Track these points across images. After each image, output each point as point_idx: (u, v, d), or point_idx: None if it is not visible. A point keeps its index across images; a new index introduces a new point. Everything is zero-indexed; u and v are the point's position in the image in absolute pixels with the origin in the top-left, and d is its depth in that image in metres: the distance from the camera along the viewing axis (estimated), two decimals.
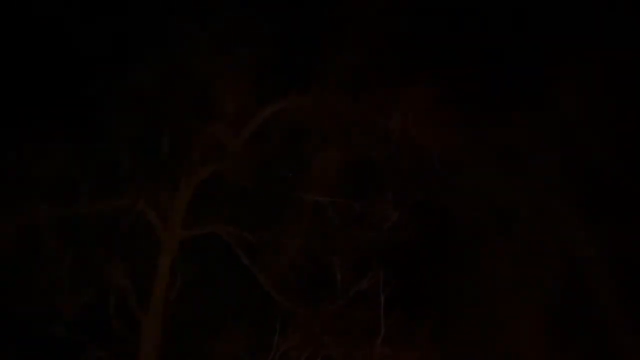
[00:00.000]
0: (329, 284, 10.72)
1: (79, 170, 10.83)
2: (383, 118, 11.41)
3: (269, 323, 10.42)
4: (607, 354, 10.62)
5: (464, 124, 11.27)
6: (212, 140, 11.24)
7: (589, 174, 11.40)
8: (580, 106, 11.59)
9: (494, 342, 10.89)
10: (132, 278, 10.89)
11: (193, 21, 11.21)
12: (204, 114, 11.24)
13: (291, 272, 10.91)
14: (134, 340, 10.70)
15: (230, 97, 11.25)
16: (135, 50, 11.21)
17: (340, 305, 10.55)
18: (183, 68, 11.28)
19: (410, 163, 11.36)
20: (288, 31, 11.24)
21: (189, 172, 11.13)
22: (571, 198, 11.48)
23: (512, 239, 11.57)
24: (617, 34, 11.54)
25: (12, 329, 10.38)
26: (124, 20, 11.13)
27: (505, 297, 11.23)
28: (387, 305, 10.30)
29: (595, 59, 11.46)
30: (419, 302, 10.59)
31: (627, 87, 11.42)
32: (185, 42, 11.33)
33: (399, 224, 11.05)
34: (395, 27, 11.23)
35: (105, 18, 11.17)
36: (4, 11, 11.07)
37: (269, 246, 11.00)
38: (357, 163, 11.44)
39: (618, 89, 11.47)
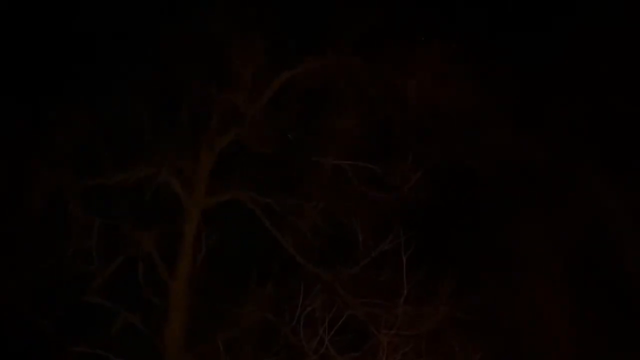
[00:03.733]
0: (351, 246, 10.84)
1: (101, 140, 11.00)
2: (400, 78, 11.37)
3: (293, 286, 10.60)
4: (630, 307, 10.64)
5: (482, 81, 11.19)
6: (231, 107, 11.30)
7: (610, 126, 11.30)
8: (600, 57, 11.43)
9: (516, 299, 10.98)
10: (159, 245, 11.12)
11: None
12: (222, 81, 11.29)
13: (313, 235, 11.04)
14: (163, 305, 10.99)
15: (246, 63, 11.27)
16: (153, 19, 11.26)
17: (362, 267, 10.66)
18: (200, 35, 11.31)
19: (429, 123, 11.34)
20: None
21: (210, 140, 11.25)
22: (592, 151, 11.40)
23: (534, 195, 11.56)
24: None
25: (45, 297, 10.71)
26: None
27: (528, 253, 11.28)
28: (410, 266, 10.40)
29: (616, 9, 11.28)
30: (441, 262, 10.67)
31: None
32: (200, 9, 11.33)
33: (420, 184, 11.09)
34: None
35: None
36: None
37: (291, 210, 11.13)
38: (375, 125, 11.44)
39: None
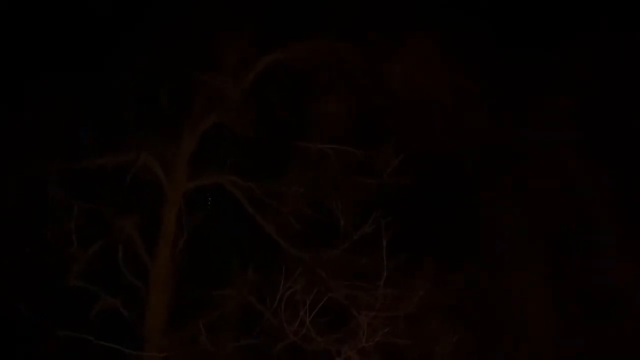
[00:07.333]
0: (332, 229, 10.88)
1: (81, 124, 10.97)
2: (385, 64, 11.39)
3: (274, 269, 10.63)
4: (609, 293, 10.77)
5: (466, 67, 11.23)
6: (213, 91, 11.27)
7: (590, 113, 11.40)
8: (585, 47, 11.50)
9: (496, 283, 11.07)
10: (140, 229, 11.10)
11: None
12: (205, 64, 11.26)
13: (295, 219, 11.07)
14: (144, 289, 10.98)
15: (230, 46, 11.25)
16: (136, 3, 11.21)
17: (344, 250, 10.72)
18: (183, 18, 11.26)
19: (413, 109, 11.38)
20: None
21: (191, 124, 11.24)
22: (574, 140, 11.50)
23: (515, 182, 11.64)
24: None
25: (26, 281, 10.66)
26: None
27: (508, 239, 11.37)
28: (391, 250, 10.46)
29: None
30: (422, 245, 10.77)
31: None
32: None
33: (402, 169, 11.14)
34: None
35: None
36: None
37: (273, 194, 11.15)
38: (359, 109, 11.46)
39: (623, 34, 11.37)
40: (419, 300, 10.10)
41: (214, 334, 10.63)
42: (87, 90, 11.12)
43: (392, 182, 11.07)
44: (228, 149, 11.36)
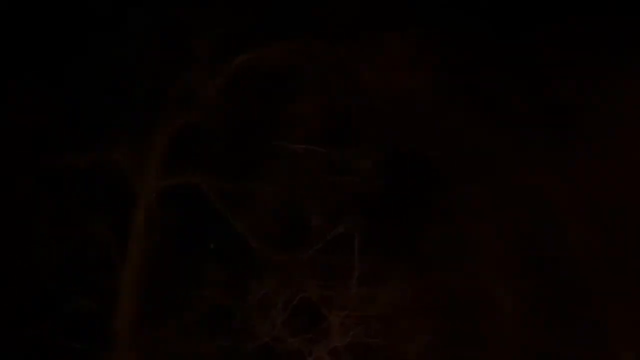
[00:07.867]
0: (306, 229, 10.84)
1: (52, 121, 10.83)
2: (360, 64, 11.39)
3: (247, 269, 10.58)
4: (575, 286, 10.88)
5: (443, 68, 11.26)
6: (187, 89, 11.21)
7: (562, 117, 11.50)
8: (555, 52, 11.60)
9: (469, 283, 11.09)
10: (111, 229, 10.99)
11: None
12: (179, 62, 11.19)
13: (268, 219, 11.02)
14: (115, 289, 10.85)
15: (205, 45, 11.19)
16: (110, 1, 11.13)
17: (317, 250, 10.68)
18: (158, 17, 11.19)
19: (388, 109, 11.39)
20: None
21: (164, 122, 11.15)
22: (545, 140, 11.58)
23: (488, 183, 11.68)
24: None
25: None
26: None
27: (480, 239, 11.41)
28: (364, 250, 10.44)
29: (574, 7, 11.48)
30: (395, 245, 10.76)
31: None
32: None
33: (377, 170, 11.13)
34: None
35: None
36: None
37: (246, 194, 11.09)
38: (335, 110, 11.44)
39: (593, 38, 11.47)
40: (391, 300, 10.08)
41: (185, 335, 10.53)
42: (59, 87, 11.00)
43: (366, 182, 11.05)
44: (201, 148, 11.27)
